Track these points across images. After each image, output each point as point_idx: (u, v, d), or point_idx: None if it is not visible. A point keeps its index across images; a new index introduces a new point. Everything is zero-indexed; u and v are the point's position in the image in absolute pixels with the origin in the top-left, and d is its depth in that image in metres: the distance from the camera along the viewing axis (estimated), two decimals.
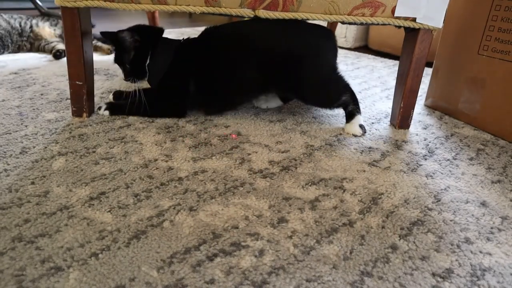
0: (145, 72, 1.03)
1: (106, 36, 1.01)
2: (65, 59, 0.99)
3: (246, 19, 0.97)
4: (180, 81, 1.05)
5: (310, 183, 0.78)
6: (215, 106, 1.10)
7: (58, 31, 1.76)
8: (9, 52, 1.67)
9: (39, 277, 0.52)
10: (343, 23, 0.96)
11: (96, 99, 1.13)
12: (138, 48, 1.01)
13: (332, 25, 1.90)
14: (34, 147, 0.86)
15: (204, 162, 0.84)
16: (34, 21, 1.72)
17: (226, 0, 0.89)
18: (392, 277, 0.55)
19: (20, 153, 0.83)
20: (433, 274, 0.56)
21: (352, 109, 1.04)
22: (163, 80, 1.04)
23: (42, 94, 1.19)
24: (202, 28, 1.10)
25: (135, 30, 1.01)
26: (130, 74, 1.03)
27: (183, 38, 1.08)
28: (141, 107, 1.03)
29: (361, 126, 1.02)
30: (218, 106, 1.10)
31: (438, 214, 0.70)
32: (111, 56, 1.70)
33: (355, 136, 1.01)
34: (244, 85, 1.05)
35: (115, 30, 1.00)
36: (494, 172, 0.87)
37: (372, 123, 1.11)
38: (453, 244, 0.63)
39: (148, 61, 1.02)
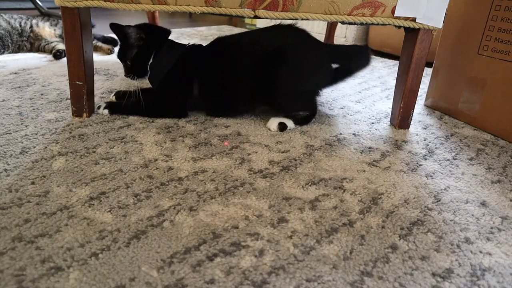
0: (146, 71, 1.03)
1: (114, 29, 1.01)
2: (65, 59, 1.00)
3: (249, 27, 0.96)
4: (182, 83, 1.05)
5: (310, 183, 0.78)
6: (216, 111, 1.10)
7: (58, 31, 1.76)
8: (9, 52, 1.68)
9: (39, 277, 0.52)
10: (343, 23, 0.96)
11: (96, 99, 1.13)
12: (142, 46, 1.01)
13: (332, 25, 1.91)
14: (34, 147, 0.86)
15: (204, 162, 0.84)
16: (34, 21, 1.72)
17: (226, 0, 0.89)
18: (392, 277, 0.55)
19: (20, 153, 0.83)
20: (433, 274, 0.56)
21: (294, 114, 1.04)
22: (164, 81, 1.04)
23: (42, 94, 1.19)
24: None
25: (142, 27, 1.01)
26: (130, 71, 1.03)
27: (189, 43, 1.09)
28: (141, 107, 1.03)
29: (280, 123, 1.02)
30: (219, 112, 1.10)
31: (438, 214, 0.70)
32: (111, 56, 1.70)
33: (269, 130, 1.01)
34: (243, 94, 1.05)
35: None
36: (494, 172, 0.87)
37: (372, 123, 1.11)
38: (453, 244, 0.63)
39: (151, 61, 1.03)
